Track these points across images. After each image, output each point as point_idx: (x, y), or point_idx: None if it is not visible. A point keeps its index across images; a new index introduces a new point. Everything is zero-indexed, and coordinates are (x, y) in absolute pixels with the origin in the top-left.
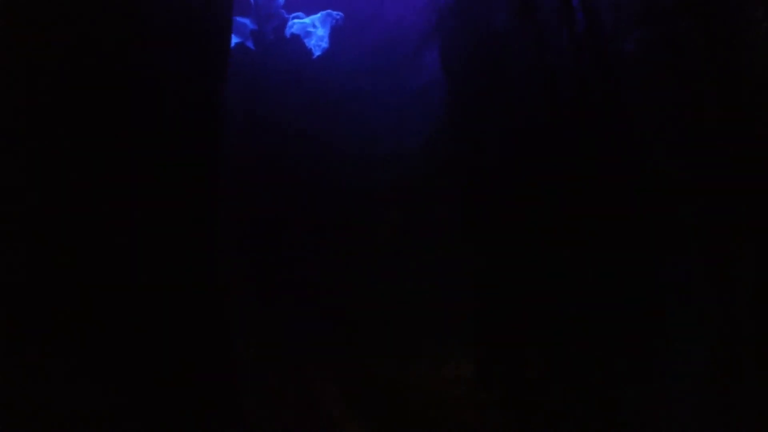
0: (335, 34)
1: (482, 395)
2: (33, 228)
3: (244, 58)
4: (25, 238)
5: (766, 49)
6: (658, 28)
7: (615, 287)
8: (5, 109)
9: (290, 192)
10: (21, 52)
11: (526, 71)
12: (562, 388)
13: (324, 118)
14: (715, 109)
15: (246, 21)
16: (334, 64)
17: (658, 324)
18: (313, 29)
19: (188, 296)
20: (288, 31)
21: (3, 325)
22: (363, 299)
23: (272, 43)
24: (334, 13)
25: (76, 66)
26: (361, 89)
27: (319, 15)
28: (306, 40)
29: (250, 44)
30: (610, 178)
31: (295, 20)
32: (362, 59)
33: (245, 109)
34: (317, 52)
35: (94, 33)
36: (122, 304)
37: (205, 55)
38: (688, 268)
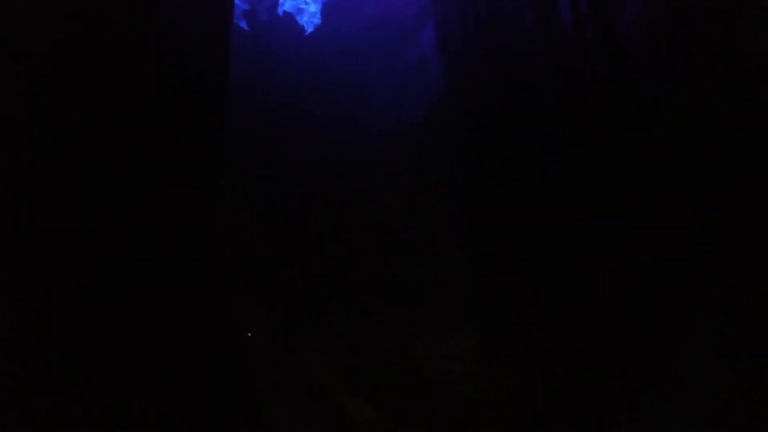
0: (328, 11)
1: (482, 371)
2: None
3: (238, 39)
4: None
5: None
6: None
7: (618, 263)
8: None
9: (286, 172)
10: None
11: (526, 45)
12: (563, 363)
13: (320, 96)
14: (718, 80)
15: (238, 2)
16: (329, 42)
17: (665, 303)
18: (305, 6)
19: (193, 281)
20: (280, 9)
21: (8, 326)
22: (361, 278)
23: (266, 23)
24: None
25: (73, 55)
26: (356, 67)
27: None
28: (298, 18)
29: (243, 25)
30: (615, 154)
31: None
32: (357, 36)
33: (240, 91)
34: (309, 29)
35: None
36: (128, 304)
37: (208, 42)
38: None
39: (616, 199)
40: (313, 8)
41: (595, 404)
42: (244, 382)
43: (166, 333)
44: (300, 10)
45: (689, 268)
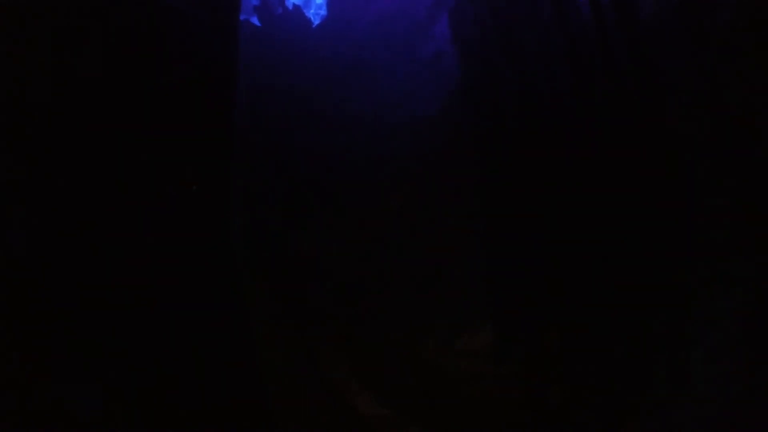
0: (336, 2)
1: (497, 368)
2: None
3: (250, 35)
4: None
5: None
6: None
7: (637, 261)
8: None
9: (297, 168)
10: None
11: (543, 37)
12: (581, 360)
13: (331, 90)
14: (747, 73)
15: None
16: (339, 34)
17: (683, 304)
18: None
19: (203, 277)
20: (289, 2)
21: (13, 330)
22: (374, 272)
23: (276, 17)
24: None
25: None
26: (369, 60)
27: None
28: (305, 10)
29: (254, 20)
30: (635, 148)
31: None
32: (368, 29)
33: (251, 87)
34: (316, 21)
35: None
36: (136, 301)
37: (216, 33)
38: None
39: (636, 195)
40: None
41: (610, 403)
42: (253, 377)
43: (175, 330)
44: (307, 2)
45: (711, 267)
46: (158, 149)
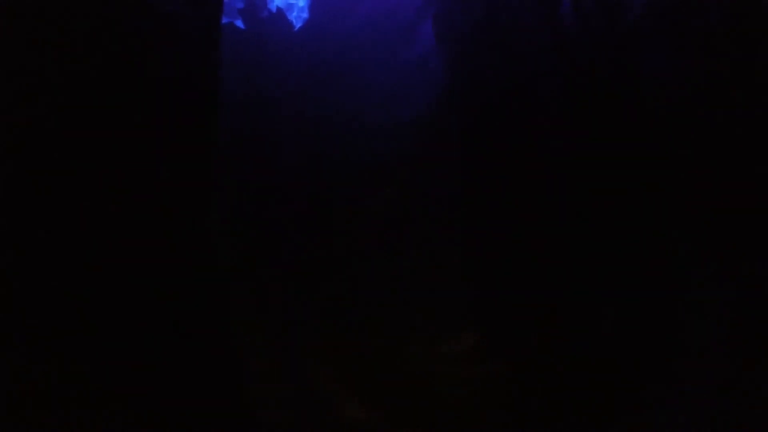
0: (317, 5)
1: (480, 371)
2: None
3: (234, 37)
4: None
5: None
6: None
7: (619, 263)
8: None
9: (282, 171)
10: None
11: (528, 37)
12: (563, 364)
13: (317, 93)
14: (729, 75)
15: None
16: (327, 37)
17: (665, 303)
18: (294, 0)
19: (186, 282)
20: (272, 5)
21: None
22: (357, 276)
23: (260, 21)
24: None
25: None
26: (354, 62)
27: None
28: (288, 13)
29: (239, 23)
30: (619, 151)
31: None
32: (354, 31)
33: (236, 90)
34: (298, 24)
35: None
36: (119, 302)
37: (199, 34)
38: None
39: (618, 198)
40: (302, 2)
41: (594, 405)
42: (236, 382)
43: (156, 334)
44: (290, 5)
45: (691, 268)
46: (140, 150)
